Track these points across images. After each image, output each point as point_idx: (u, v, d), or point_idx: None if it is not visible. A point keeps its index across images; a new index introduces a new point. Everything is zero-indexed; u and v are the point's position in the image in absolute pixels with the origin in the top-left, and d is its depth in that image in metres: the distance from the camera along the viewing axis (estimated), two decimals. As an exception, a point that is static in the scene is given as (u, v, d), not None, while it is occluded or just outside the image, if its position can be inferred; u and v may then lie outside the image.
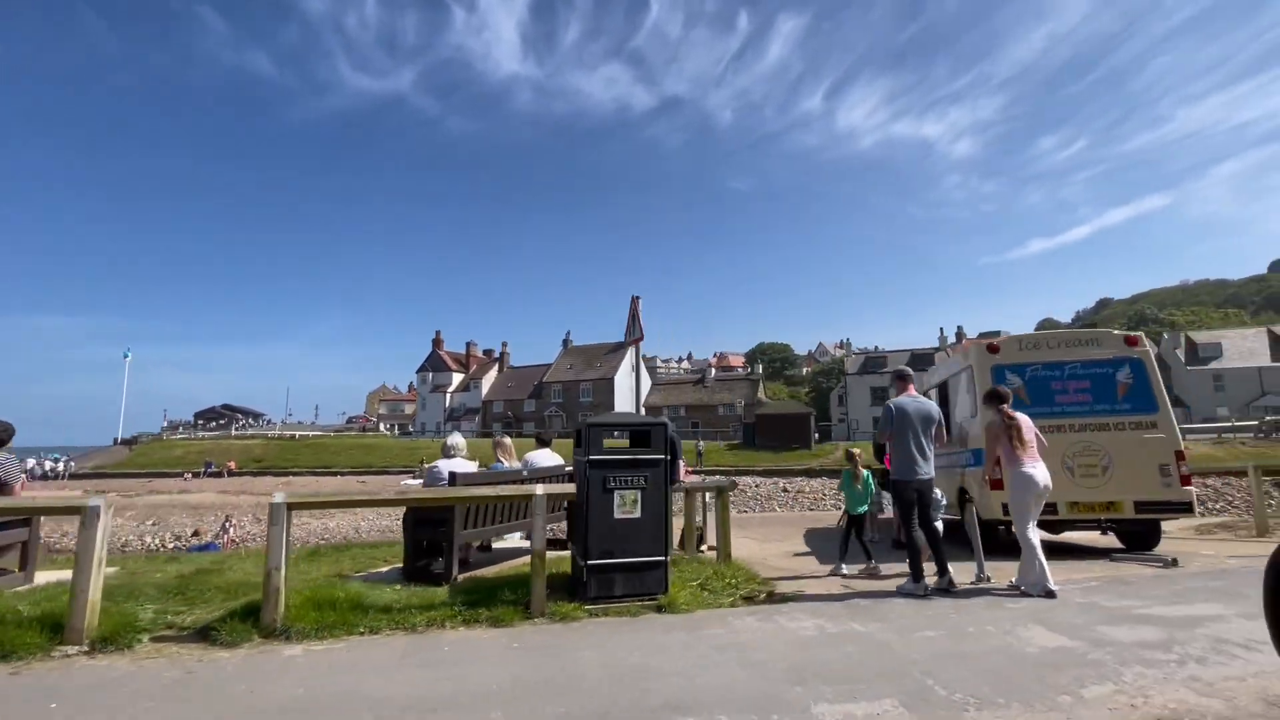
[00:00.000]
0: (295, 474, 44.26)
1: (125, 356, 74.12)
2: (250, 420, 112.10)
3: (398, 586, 5.40)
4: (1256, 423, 37.46)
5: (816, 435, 44.58)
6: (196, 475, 44.81)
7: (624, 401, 64.18)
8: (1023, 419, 5.60)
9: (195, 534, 25.09)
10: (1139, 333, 7.70)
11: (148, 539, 25.15)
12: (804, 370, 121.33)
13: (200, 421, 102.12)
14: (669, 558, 5.02)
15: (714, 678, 3.45)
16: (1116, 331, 7.74)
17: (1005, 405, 5.66)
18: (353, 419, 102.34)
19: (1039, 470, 5.42)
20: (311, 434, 64.84)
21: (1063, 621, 4.38)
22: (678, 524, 8.79)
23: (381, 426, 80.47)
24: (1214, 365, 53.52)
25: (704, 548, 9.55)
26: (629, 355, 67.76)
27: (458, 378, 72.87)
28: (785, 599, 5.31)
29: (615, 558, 4.90)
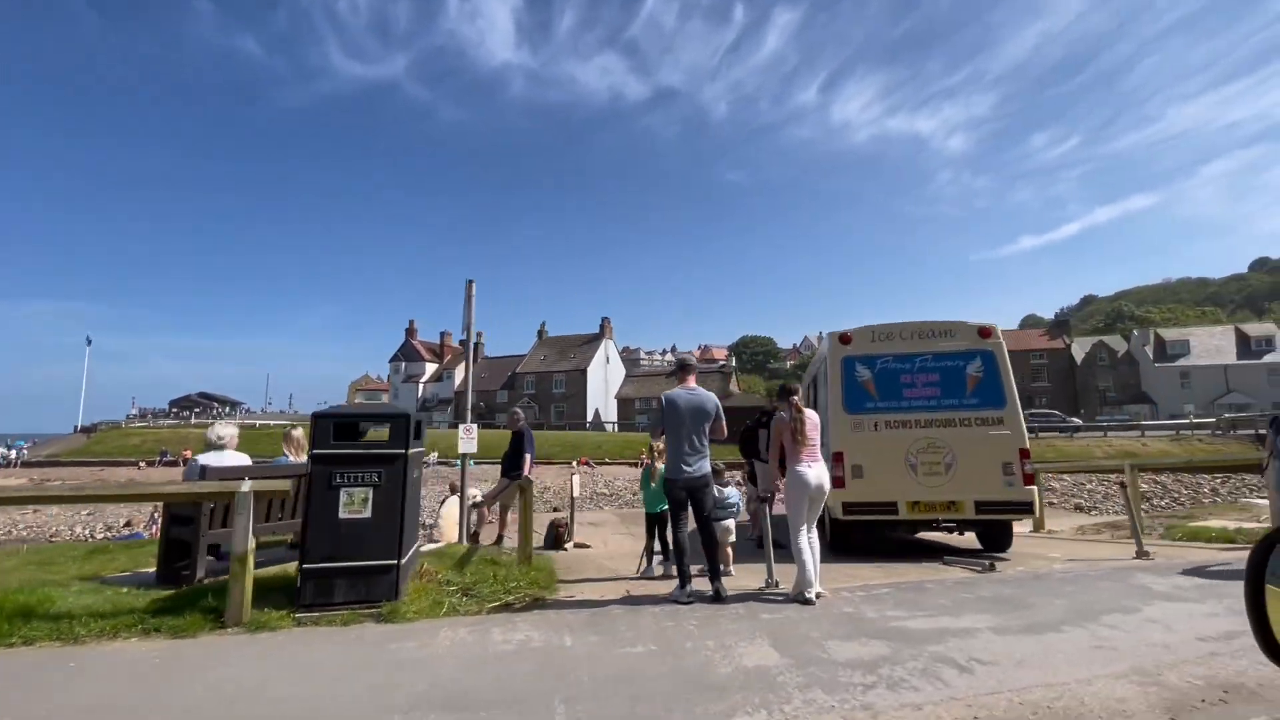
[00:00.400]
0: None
1: (87, 343, 72.69)
2: (227, 409, 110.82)
3: (137, 590, 4.96)
4: (1214, 420, 37.59)
5: None
6: (152, 464, 43.98)
7: (597, 393, 63.78)
8: (810, 415, 5.23)
9: (127, 524, 24.47)
10: (994, 324, 7.32)
11: (79, 529, 24.52)
12: (787, 364, 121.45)
13: (175, 410, 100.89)
14: (402, 561, 4.59)
15: (328, 705, 3.03)
16: (971, 322, 7.36)
17: (795, 399, 5.28)
18: (333, 408, 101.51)
19: (813, 470, 5.08)
20: (275, 423, 63.98)
21: (798, 635, 3.99)
22: (538, 520, 8.38)
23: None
24: (1181, 363, 53.74)
25: (569, 545, 9.21)
26: (603, 347, 67.32)
27: (431, 367, 72.13)
28: (543, 605, 4.91)
29: (338, 561, 4.46)
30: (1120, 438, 38.63)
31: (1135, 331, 59.04)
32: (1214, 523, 8.39)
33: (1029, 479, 6.75)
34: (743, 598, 5.00)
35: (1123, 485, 7.28)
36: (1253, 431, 37.16)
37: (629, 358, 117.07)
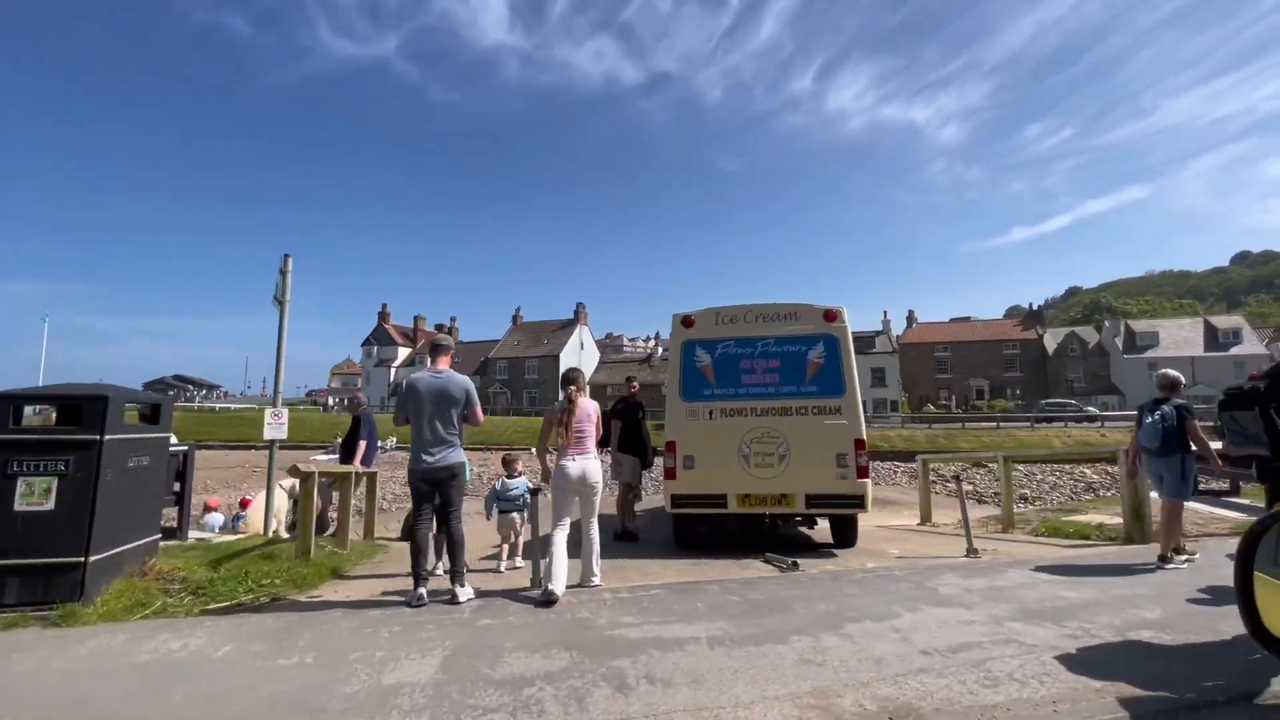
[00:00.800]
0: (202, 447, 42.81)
1: (42, 321, 71.08)
2: (203, 391, 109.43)
3: None
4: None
5: None
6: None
7: (569, 379, 63.29)
8: (583, 406, 4.90)
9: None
10: (840, 307, 6.91)
11: None
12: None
13: (146, 393, 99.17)
14: (92, 558, 4.14)
15: None
16: (817, 305, 6.94)
17: (572, 389, 4.94)
18: (312, 392, 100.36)
19: (575, 463, 4.77)
20: (235, 406, 63.37)
21: (485, 646, 3.58)
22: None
23: (330, 400, 78.77)
24: (1150, 354, 53.87)
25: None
26: (577, 333, 66.75)
27: (404, 352, 71.31)
28: (277, 606, 4.51)
29: (10, 558, 4.01)
30: (1080, 429, 38.74)
31: (1106, 323, 59.13)
32: (1088, 517, 8.09)
33: (863, 471, 6.38)
34: (488, 597, 4.61)
35: (957, 479, 6.92)
36: (1212, 423, 37.33)
37: (611, 344, 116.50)
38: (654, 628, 3.93)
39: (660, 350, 66.65)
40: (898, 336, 66.04)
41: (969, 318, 72.21)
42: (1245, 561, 1.06)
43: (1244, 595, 1.05)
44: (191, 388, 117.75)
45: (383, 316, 72.26)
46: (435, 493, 4.60)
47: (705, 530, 7.33)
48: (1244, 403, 3.78)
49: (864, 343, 57.93)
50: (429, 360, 4.80)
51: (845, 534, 6.95)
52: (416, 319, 72.90)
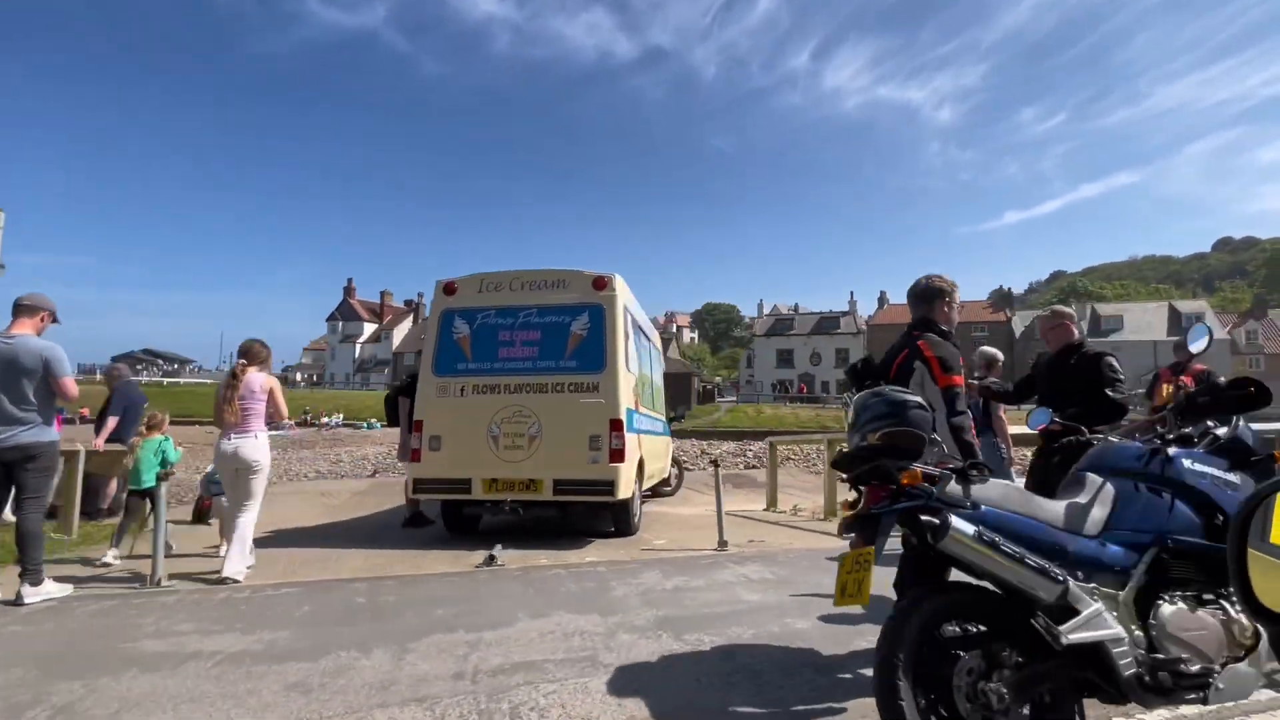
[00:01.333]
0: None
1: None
2: (174, 366, 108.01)
3: None
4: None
5: (732, 395, 43.83)
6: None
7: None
8: (249, 380, 4.66)
9: None
10: (612, 274, 6.27)
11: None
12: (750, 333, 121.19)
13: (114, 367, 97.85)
14: None
15: None
16: (587, 271, 6.30)
17: (241, 361, 4.71)
18: (288, 368, 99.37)
19: (229, 442, 4.59)
20: (186, 381, 62.60)
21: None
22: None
23: (298, 376, 77.78)
24: (1113, 338, 53.77)
25: (211, 520, 8.16)
26: (545, 310, 65.87)
27: (370, 328, 70.24)
28: None
29: None
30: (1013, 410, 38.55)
31: (1073, 306, 58.92)
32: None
33: (616, 455, 5.81)
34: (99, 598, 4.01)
35: (715, 464, 6.36)
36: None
37: None
38: (196, 639, 3.37)
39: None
40: (868, 318, 65.75)
41: None
42: (1239, 535, 1.08)
43: (1238, 571, 1.05)
44: (161, 361, 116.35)
45: (348, 291, 70.96)
46: (7, 476, 3.95)
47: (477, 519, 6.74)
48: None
49: (829, 323, 57.60)
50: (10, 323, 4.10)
51: (621, 521, 6.39)
52: (383, 294, 71.80)
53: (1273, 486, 1.06)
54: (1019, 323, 60.11)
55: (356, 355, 68.58)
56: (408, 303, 74.83)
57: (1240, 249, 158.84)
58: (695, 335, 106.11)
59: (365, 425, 37.72)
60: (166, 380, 65.51)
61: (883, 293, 67.80)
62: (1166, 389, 5.13)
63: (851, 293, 58.59)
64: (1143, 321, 54.39)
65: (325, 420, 38.46)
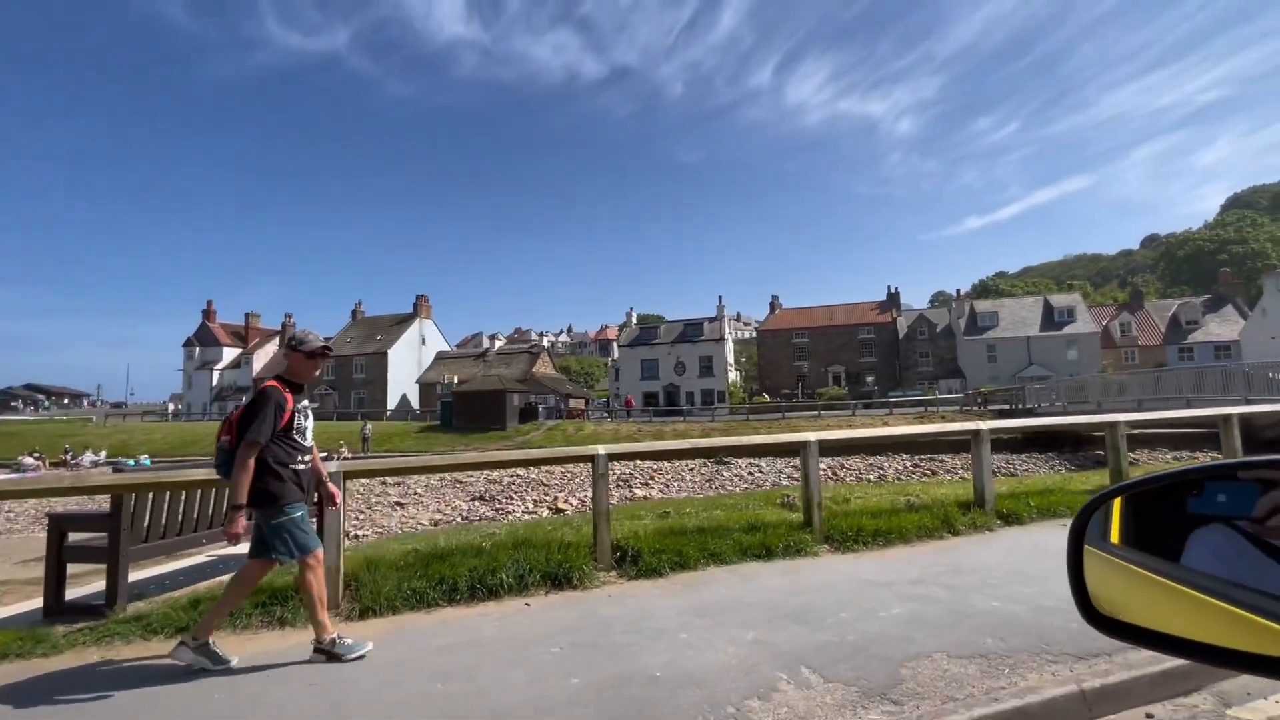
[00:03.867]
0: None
1: None
2: (60, 401, 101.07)
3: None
4: (964, 395, 35.16)
5: (568, 412, 40.36)
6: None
7: (400, 377, 58.59)
8: None
9: None
10: None
11: None
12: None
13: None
14: None
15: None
16: None
17: None
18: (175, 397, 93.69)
19: None
20: (65, 417, 57.38)
21: None
22: None
23: (172, 407, 72.23)
24: (989, 335, 51.92)
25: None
26: (415, 327, 62.01)
27: (231, 353, 65.45)
28: None
29: None
30: (866, 415, 35.95)
31: (951, 304, 57.08)
32: None
33: None
34: None
35: None
36: (1005, 405, 34.96)
37: (520, 339, 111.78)
38: None
39: (497, 344, 62.14)
40: (758, 324, 63.05)
41: (938, 304, 69.56)
42: (1077, 536, 1.01)
43: (1074, 571, 0.99)
44: (42, 396, 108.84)
45: (207, 315, 66.15)
46: None
47: None
48: None
49: (694, 330, 54.65)
50: None
51: None
52: (248, 316, 67.04)
53: (1115, 491, 1.01)
54: (903, 323, 58.03)
55: (214, 383, 63.71)
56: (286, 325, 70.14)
57: (1166, 245, 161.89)
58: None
59: (132, 462, 33.55)
60: (55, 416, 59.90)
61: (774, 298, 65.42)
62: None
63: (720, 297, 55.72)
64: (1018, 317, 52.60)
65: (79, 459, 34.02)
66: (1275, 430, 20.49)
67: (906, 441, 26.61)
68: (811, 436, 5.51)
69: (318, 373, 3.67)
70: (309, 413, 3.61)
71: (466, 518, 19.09)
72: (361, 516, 19.94)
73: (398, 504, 22.00)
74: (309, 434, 3.52)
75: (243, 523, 3.08)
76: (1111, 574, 0.98)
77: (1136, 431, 27.66)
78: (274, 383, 3.37)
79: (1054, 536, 5.32)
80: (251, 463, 3.12)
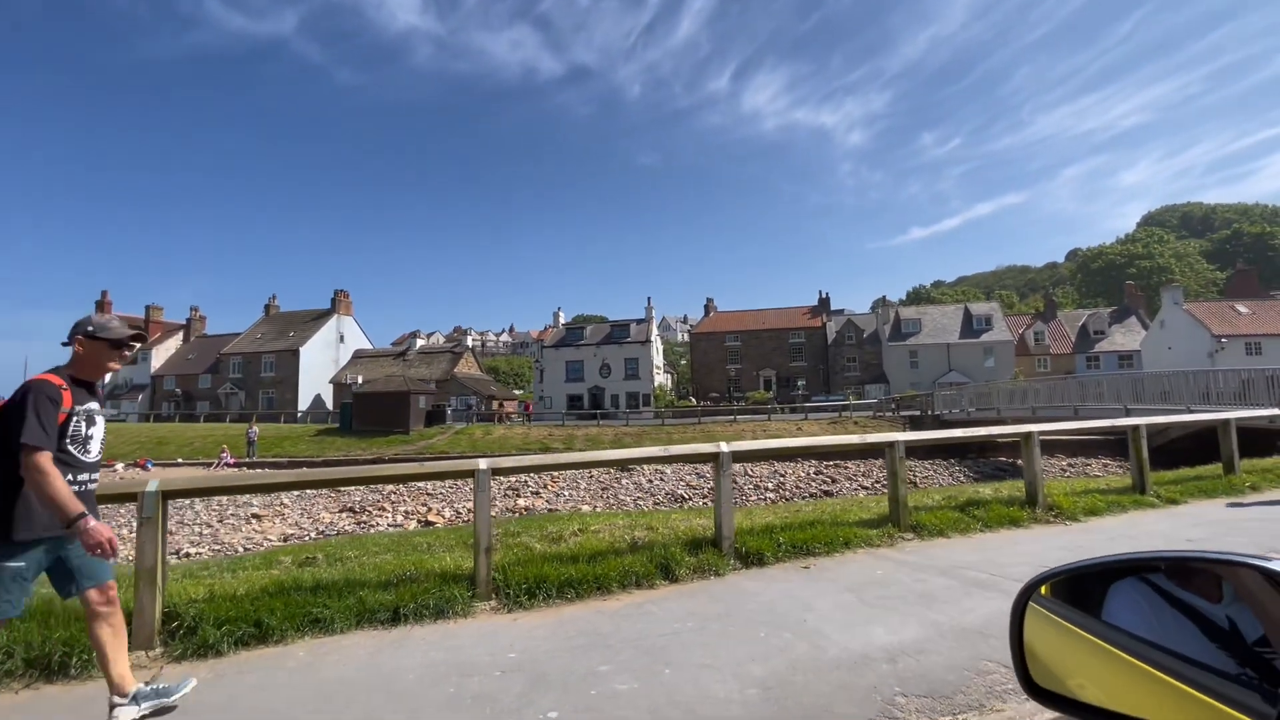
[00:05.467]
0: None
1: None
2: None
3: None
4: (875, 401, 35.24)
5: (495, 414, 38.53)
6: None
7: (312, 376, 55.36)
8: None
9: None
10: None
11: None
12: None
13: None
14: None
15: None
16: None
17: None
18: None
19: None
20: None
21: None
22: None
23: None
24: (911, 341, 52.79)
25: None
26: (332, 324, 58.82)
27: (129, 348, 60.65)
28: None
29: None
30: (782, 420, 35.65)
31: (879, 309, 57.91)
32: None
33: None
34: None
35: None
36: (916, 411, 35.25)
37: (456, 338, 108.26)
38: None
39: (418, 344, 59.65)
40: (692, 325, 62.53)
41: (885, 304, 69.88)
42: (1019, 610, 1.03)
43: (1016, 644, 1.02)
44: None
45: (100, 306, 61.10)
46: None
47: None
48: None
49: (620, 331, 53.62)
50: None
51: None
52: (149, 308, 62.27)
53: (1051, 575, 1.04)
54: (832, 328, 58.55)
55: (107, 380, 58.86)
56: (203, 319, 65.52)
57: (1086, 258, 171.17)
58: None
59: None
60: None
61: (709, 300, 65.09)
62: None
63: (649, 299, 54.98)
64: (940, 324, 53.70)
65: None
66: (1157, 440, 20.87)
67: (804, 451, 26.19)
68: (706, 448, 4.68)
69: (113, 367, 2.87)
70: (98, 419, 2.80)
71: (323, 532, 17.38)
72: (205, 532, 17.96)
73: (255, 515, 20.00)
74: (96, 445, 2.77)
75: (96, 529, 2.45)
76: (1047, 632, 1.01)
77: (1045, 439, 28.26)
78: (49, 376, 2.62)
79: (795, 585, 4.32)
80: (49, 465, 2.46)
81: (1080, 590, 1.02)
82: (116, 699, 2.69)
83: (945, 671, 2.91)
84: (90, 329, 2.75)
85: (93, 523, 2.46)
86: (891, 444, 5.87)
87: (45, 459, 2.47)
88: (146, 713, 2.73)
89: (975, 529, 5.90)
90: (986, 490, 7.48)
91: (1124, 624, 0.86)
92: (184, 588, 3.94)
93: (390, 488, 23.15)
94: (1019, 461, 24.74)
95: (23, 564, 2.55)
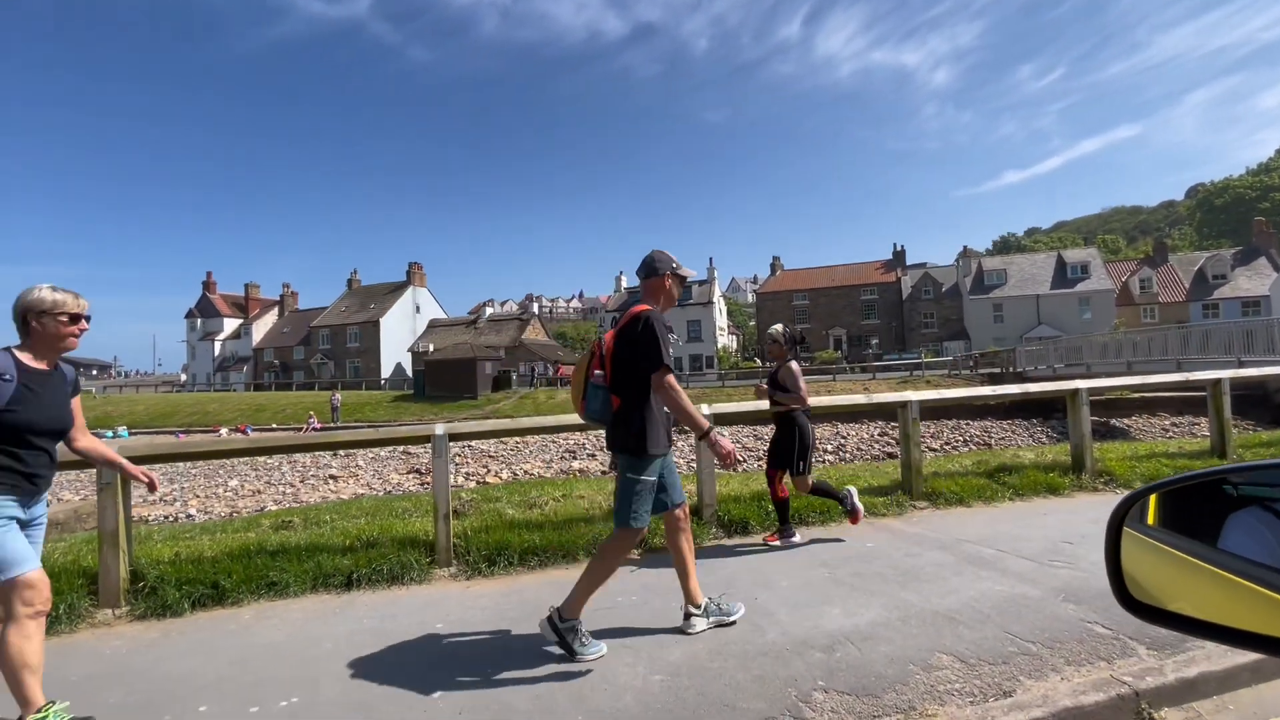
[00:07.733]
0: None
1: None
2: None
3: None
4: (952, 359, 33.13)
5: (533, 382, 39.55)
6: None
7: (392, 345, 58.28)
8: None
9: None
10: None
11: None
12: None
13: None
14: None
15: None
16: None
17: None
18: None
19: None
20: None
21: None
22: None
23: (184, 377, 73.63)
24: (996, 294, 49.05)
25: None
26: (409, 295, 61.38)
27: (232, 324, 65.88)
28: None
29: None
30: (848, 380, 34.19)
31: (960, 261, 53.89)
32: None
33: None
34: None
35: None
36: (997, 369, 32.81)
37: (526, 305, 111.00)
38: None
39: (488, 311, 61.21)
40: (758, 285, 60.88)
41: (925, 263, 66.36)
42: (1116, 522, 1.01)
43: (1112, 560, 1.00)
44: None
45: (207, 286, 66.48)
46: None
47: None
48: None
49: (683, 294, 52.78)
50: None
51: None
52: (248, 286, 67.21)
53: (1153, 487, 1.01)
54: (907, 283, 55.36)
55: (215, 353, 64.35)
56: (295, 295, 70.27)
57: (1211, 194, 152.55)
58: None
59: (109, 434, 33.75)
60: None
61: (775, 259, 63.03)
62: None
63: (710, 259, 53.76)
64: (1028, 274, 49.53)
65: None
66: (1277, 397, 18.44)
67: (848, 410, 25.07)
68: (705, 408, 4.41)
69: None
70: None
71: (390, 492, 18.42)
72: (289, 492, 19.41)
73: (332, 476, 21.42)
74: None
75: (724, 441, 2.71)
76: (1147, 557, 0.99)
77: (1136, 396, 25.65)
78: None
79: (766, 557, 3.99)
80: (678, 384, 2.73)
81: (1191, 516, 0.96)
82: (691, 608, 2.94)
83: (886, 664, 2.55)
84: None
85: (722, 435, 2.69)
86: (904, 404, 5.36)
87: (674, 379, 2.71)
88: (712, 625, 2.94)
89: (1003, 497, 5.32)
90: (1029, 454, 6.76)
91: (1246, 552, 0.82)
92: (152, 549, 4.10)
93: (455, 448, 24.13)
94: (1117, 421, 22.57)
95: (653, 478, 2.78)
